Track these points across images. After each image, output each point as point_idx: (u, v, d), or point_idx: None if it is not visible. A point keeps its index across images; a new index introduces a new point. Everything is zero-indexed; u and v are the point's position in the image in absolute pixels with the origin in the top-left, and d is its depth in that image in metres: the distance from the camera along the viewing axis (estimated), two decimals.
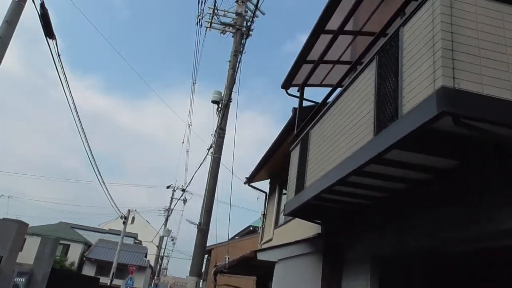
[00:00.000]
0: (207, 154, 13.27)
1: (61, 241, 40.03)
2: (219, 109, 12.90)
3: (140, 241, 48.98)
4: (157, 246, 39.63)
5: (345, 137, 4.91)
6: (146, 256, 42.07)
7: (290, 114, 8.82)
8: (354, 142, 4.61)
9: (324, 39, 6.54)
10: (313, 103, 8.13)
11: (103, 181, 22.42)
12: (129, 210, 27.87)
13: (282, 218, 11.05)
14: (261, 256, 6.99)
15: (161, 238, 40.75)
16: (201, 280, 10.47)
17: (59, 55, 9.01)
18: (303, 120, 7.34)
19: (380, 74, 4.27)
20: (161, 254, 43.80)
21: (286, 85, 7.86)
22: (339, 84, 7.05)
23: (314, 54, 7.03)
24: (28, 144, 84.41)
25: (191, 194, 43.04)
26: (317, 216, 7.30)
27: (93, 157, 19.95)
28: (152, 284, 38.62)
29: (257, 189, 13.15)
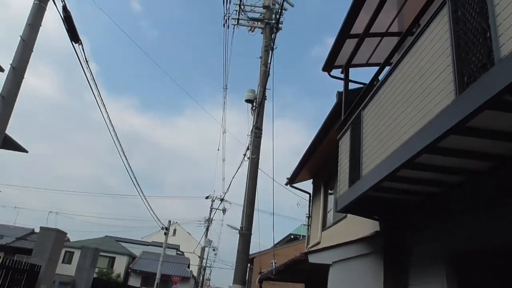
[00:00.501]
0: (244, 159, 12.59)
1: (106, 254, 40.70)
2: (254, 108, 12.22)
3: (182, 252, 48.98)
4: (199, 257, 39.31)
5: (412, 109, 4.01)
6: (188, 267, 41.87)
7: (321, 121, 8.02)
8: (425, 112, 3.71)
9: (370, 6, 5.67)
10: (360, 84, 7.22)
11: (143, 194, 22.28)
12: (169, 221, 27.66)
13: (330, 219, 10.11)
14: (312, 259, 6.13)
15: (203, 249, 40.44)
16: (244, 287, 9.68)
17: (87, 61, 8.69)
18: (350, 103, 6.46)
19: (456, 19, 3.37)
20: (203, 264, 43.47)
21: (328, 66, 7.01)
22: (389, 60, 6.13)
23: (358, 27, 6.17)
24: (72, 165, 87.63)
25: (230, 203, 42.45)
26: (375, 211, 6.36)
27: (132, 171, 19.77)
28: None
29: (300, 189, 12.29)
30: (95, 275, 15.74)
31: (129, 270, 39.79)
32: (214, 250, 41.43)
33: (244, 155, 12.55)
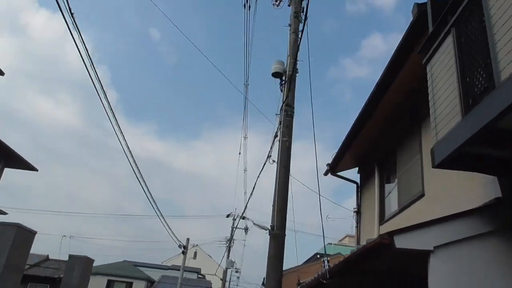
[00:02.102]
0: (268, 161, 10.29)
1: (123, 279, 38.32)
2: (283, 82, 10.05)
3: (204, 276, 46.13)
4: (220, 279, 36.48)
5: None
6: None
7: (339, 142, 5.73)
8: None
9: None
10: None
11: (160, 212, 20.07)
12: (187, 239, 25.28)
13: (390, 209, 7.65)
14: (402, 242, 3.73)
15: (225, 271, 37.64)
16: None
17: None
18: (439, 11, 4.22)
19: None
20: (226, 286, 40.50)
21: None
22: None
23: None
24: (93, 193, 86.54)
25: (252, 221, 39.80)
26: (490, 164, 4.00)
27: (148, 190, 17.50)
28: None
29: (345, 178, 9.84)
30: None
31: None
32: (237, 271, 38.42)
33: (269, 156, 10.26)
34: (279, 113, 9.81)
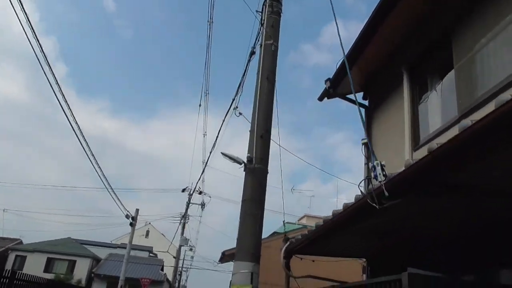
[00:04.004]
0: (233, 111, 7.40)
1: (65, 257, 34.23)
2: None
3: (156, 255, 42.82)
4: (174, 257, 33.42)
5: None
6: (162, 269, 35.88)
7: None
8: None
9: None
10: None
11: (110, 185, 16.70)
12: (137, 210, 21.99)
13: (428, 128, 5.12)
14: None
15: (179, 248, 34.62)
16: (258, 267, 4.43)
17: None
18: None
19: None
20: (179, 265, 37.54)
21: None
22: None
23: None
24: (41, 170, 79.12)
25: (210, 197, 36.87)
26: None
27: (98, 165, 14.11)
28: None
29: (349, 99, 7.16)
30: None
31: (92, 274, 33.44)
32: (191, 249, 35.48)
33: (235, 108, 7.35)
34: (260, 9, 6.98)
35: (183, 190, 33.67)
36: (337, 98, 7.26)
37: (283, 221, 6.10)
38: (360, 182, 3.12)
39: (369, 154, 6.52)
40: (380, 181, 2.78)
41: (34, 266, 30.45)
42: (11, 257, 33.18)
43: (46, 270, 32.36)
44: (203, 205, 34.85)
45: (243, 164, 5.83)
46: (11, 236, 36.58)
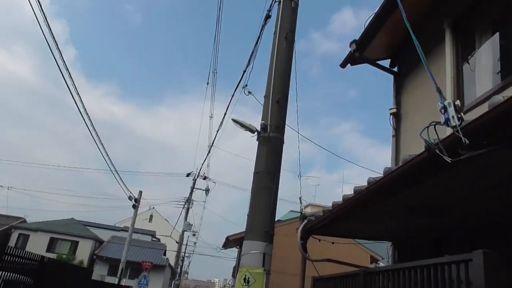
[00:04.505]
0: (243, 90, 6.63)
1: (68, 238, 33.95)
2: None
3: (159, 239, 42.52)
4: (176, 242, 33.01)
5: None
6: (165, 254, 35.55)
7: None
8: None
9: None
10: None
11: (114, 168, 16.17)
12: (140, 192, 21.44)
13: (475, 92, 4.36)
14: None
15: (182, 233, 34.20)
16: (271, 247, 3.68)
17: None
18: None
19: None
20: (182, 250, 37.22)
21: None
22: None
23: None
24: (49, 154, 79.01)
25: (214, 182, 36.30)
26: None
27: (102, 144, 13.75)
28: (172, 285, 31.95)
29: (378, 65, 6.37)
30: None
31: (94, 256, 33.16)
32: (194, 234, 35.06)
33: (244, 86, 6.56)
34: None
35: (188, 175, 33.18)
36: (361, 66, 6.44)
37: (300, 198, 5.39)
38: (424, 130, 2.39)
39: (398, 125, 5.76)
40: (454, 126, 2.07)
41: (37, 245, 30.21)
42: (14, 235, 32.96)
43: (49, 249, 32.14)
44: (207, 190, 34.40)
45: (256, 133, 5.11)
46: (15, 214, 36.43)
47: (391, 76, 6.45)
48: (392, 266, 3.58)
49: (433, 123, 2.35)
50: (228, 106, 8.95)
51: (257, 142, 5.11)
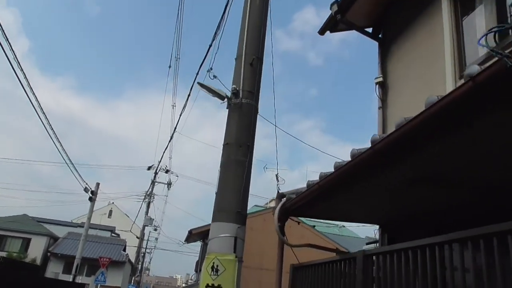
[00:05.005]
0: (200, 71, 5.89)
1: (19, 235, 31.67)
2: None
3: (118, 235, 40.76)
4: (137, 237, 31.61)
5: None
6: (124, 250, 34.02)
7: None
8: None
9: None
10: None
11: (69, 159, 14.88)
12: (97, 183, 20.07)
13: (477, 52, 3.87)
14: None
15: (143, 228, 32.82)
16: (244, 230, 2.96)
17: None
18: None
19: None
20: (143, 246, 35.79)
21: None
22: None
23: None
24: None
25: (177, 176, 35.19)
26: None
27: (55, 134, 12.74)
28: (132, 282, 30.58)
29: (362, 30, 5.75)
30: None
31: (49, 253, 31.13)
32: (156, 229, 33.72)
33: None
34: None
35: (149, 168, 31.81)
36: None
37: (276, 175, 4.70)
38: (482, 38, 1.79)
39: (385, 95, 5.23)
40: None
41: None
42: None
43: None
44: (169, 184, 33.18)
45: (225, 100, 4.40)
46: None
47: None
48: (403, 244, 3.00)
49: (495, 28, 1.74)
50: (192, 86, 8.18)
51: (227, 110, 4.41)
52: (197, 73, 6.75)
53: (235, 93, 4.33)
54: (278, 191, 4.51)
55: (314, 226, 17.97)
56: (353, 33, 5.90)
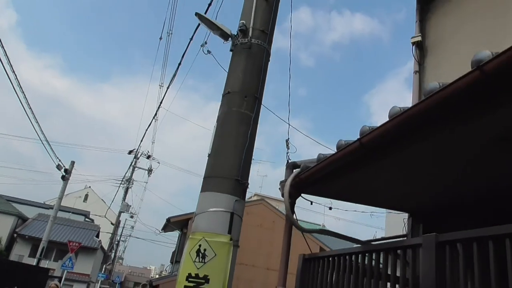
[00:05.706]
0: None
1: None
2: None
3: (92, 220, 39.19)
4: (112, 224, 30.26)
5: None
6: (98, 236, 32.58)
7: None
8: None
9: None
10: None
11: (43, 135, 13.68)
12: (72, 162, 18.74)
13: None
14: None
15: (118, 215, 31.47)
16: (243, 205, 1.93)
17: None
18: None
19: None
20: (118, 233, 34.43)
21: None
22: None
23: None
24: None
25: (158, 162, 33.88)
26: None
27: (32, 111, 11.83)
28: (103, 270, 29.20)
29: None
30: None
31: (15, 234, 29.48)
32: (132, 216, 32.35)
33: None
34: None
35: (130, 152, 30.44)
36: None
37: (287, 140, 3.79)
38: None
39: (423, 58, 4.31)
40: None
41: None
42: None
43: None
44: (150, 170, 31.89)
45: (230, 39, 3.40)
46: None
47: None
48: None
49: None
50: (183, 56, 7.19)
51: (231, 53, 3.41)
52: (188, 44, 5.76)
53: (243, 30, 3.34)
54: (287, 160, 3.54)
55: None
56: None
